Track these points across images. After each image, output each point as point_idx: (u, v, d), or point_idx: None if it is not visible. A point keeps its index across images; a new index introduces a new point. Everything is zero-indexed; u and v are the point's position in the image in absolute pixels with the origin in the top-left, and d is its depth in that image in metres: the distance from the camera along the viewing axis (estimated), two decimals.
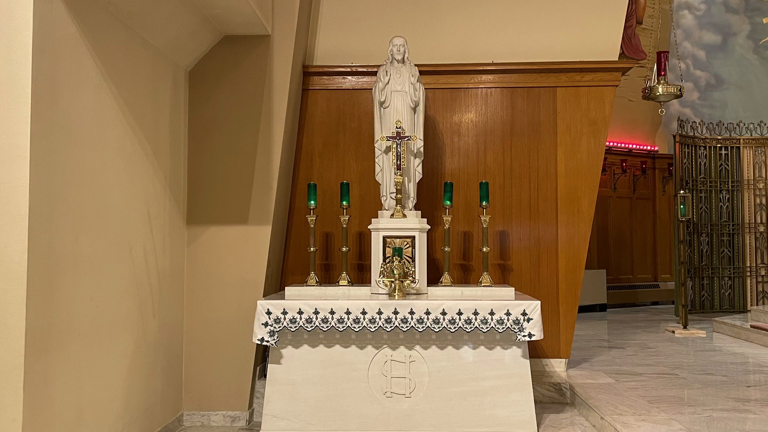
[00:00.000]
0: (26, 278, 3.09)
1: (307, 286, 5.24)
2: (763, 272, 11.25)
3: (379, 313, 4.61)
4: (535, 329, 4.58)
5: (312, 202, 5.37)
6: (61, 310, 3.41)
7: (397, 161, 5.11)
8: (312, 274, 5.32)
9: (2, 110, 3.09)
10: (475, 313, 4.60)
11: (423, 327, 4.59)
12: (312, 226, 5.36)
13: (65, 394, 3.47)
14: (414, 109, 5.27)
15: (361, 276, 5.83)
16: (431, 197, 5.84)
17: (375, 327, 4.60)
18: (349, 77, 5.96)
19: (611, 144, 12.61)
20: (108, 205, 3.94)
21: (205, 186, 5.20)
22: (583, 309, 10.48)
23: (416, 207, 5.34)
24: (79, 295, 3.60)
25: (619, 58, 5.86)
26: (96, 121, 3.77)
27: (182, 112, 5.11)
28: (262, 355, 5.48)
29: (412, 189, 5.30)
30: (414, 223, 5.13)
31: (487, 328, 4.58)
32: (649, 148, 13.64)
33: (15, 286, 3.08)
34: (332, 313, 4.62)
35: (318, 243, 5.77)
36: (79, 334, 3.61)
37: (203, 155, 5.21)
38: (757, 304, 10.95)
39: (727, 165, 11.30)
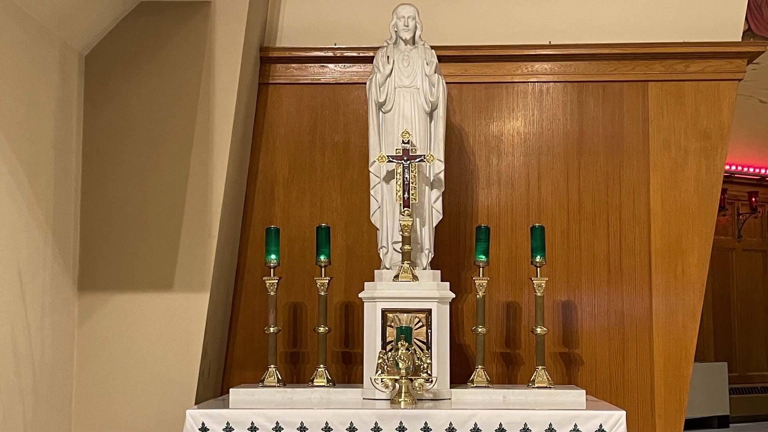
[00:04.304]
0: None
1: (263, 386, 5.21)
2: None
3: (377, 429, 4.57)
4: None
5: (273, 256, 5.36)
6: None
7: (403, 194, 5.11)
8: (272, 368, 5.28)
9: None
10: (526, 430, 4.57)
11: None
12: (272, 293, 5.34)
13: None
14: (430, 114, 5.30)
15: (347, 371, 5.81)
16: (456, 249, 5.85)
17: None
18: (331, 65, 6.01)
19: (733, 168, 12.66)
20: None
21: (108, 231, 5.20)
22: (692, 424, 10.38)
23: (433, 264, 5.34)
24: None
25: (742, 37, 5.91)
26: None
27: (74, 117, 5.13)
28: None
29: (427, 236, 5.29)
30: (430, 290, 5.11)
31: None
32: None
33: None
34: (303, 429, 4.58)
35: (282, 320, 5.74)
36: None
37: (105, 183, 5.21)
38: None
39: None
